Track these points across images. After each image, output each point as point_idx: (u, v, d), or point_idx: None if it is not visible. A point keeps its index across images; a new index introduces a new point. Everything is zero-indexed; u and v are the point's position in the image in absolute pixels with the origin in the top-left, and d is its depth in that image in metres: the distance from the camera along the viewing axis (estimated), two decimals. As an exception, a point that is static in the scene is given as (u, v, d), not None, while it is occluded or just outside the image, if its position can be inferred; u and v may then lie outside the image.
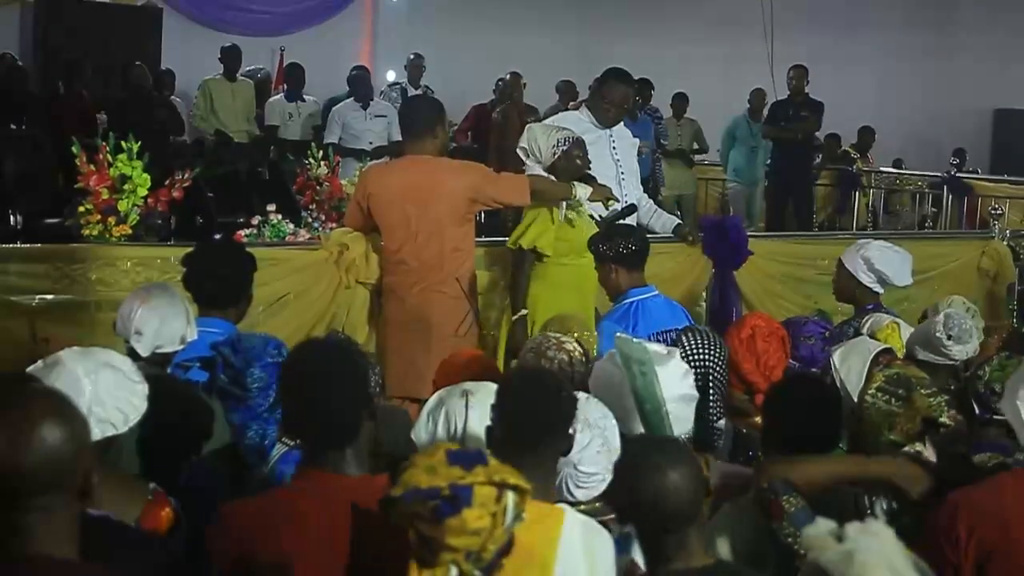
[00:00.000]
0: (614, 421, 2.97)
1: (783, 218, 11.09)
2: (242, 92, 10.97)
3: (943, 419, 3.29)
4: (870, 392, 3.36)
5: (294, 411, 2.59)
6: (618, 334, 3.43)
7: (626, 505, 2.51)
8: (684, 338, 3.69)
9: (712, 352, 3.67)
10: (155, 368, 3.44)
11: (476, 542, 1.91)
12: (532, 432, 2.64)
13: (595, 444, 2.87)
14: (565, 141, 5.33)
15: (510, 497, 1.95)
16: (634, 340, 3.22)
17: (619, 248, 4.68)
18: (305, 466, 2.58)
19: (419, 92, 10.69)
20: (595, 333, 4.07)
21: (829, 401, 3.36)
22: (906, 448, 3.17)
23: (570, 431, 2.72)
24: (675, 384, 3.12)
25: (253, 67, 12.30)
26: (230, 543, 2.47)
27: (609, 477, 2.83)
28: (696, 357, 3.63)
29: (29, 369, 2.71)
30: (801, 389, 3.38)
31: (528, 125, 5.57)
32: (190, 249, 4.27)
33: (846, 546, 1.73)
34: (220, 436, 3.22)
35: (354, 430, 2.54)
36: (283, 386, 2.64)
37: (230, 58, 10.93)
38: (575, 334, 3.79)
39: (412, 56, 11.66)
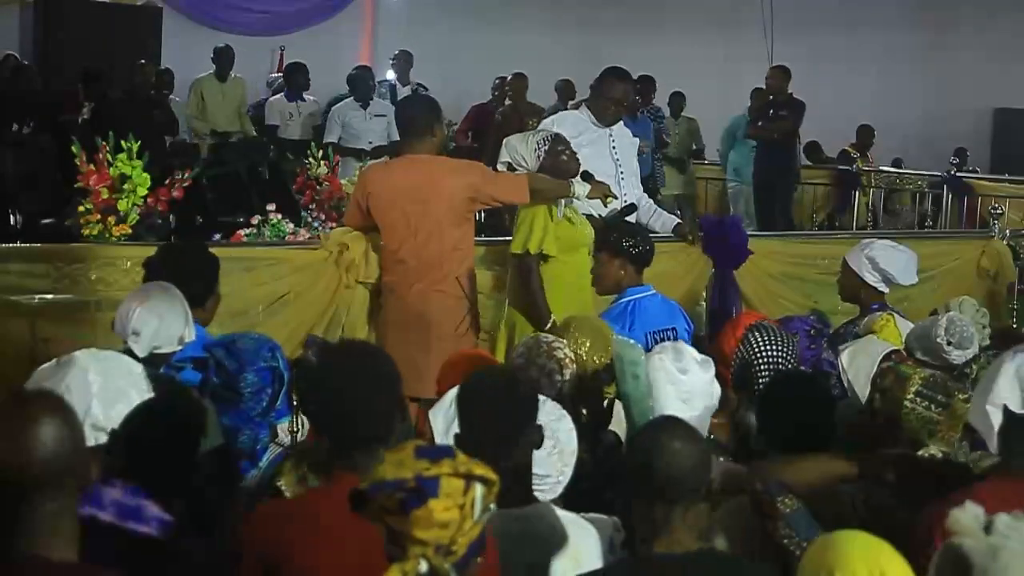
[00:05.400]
0: (569, 423, 2.91)
1: (771, 217, 11.11)
2: (232, 91, 11.10)
3: None
4: (908, 397, 3.29)
5: (327, 410, 2.61)
6: (615, 335, 3.41)
7: (627, 469, 2.44)
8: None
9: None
10: (150, 368, 3.42)
11: (444, 535, 1.90)
12: (492, 433, 2.64)
13: (547, 446, 2.80)
14: (544, 141, 5.23)
15: (478, 489, 1.94)
16: (630, 342, 3.21)
17: (633, 245, 4.69)
18: (334, 468, 2.58)
19: (408, 89, 10.74)
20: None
21: (822, 400, 3.35)
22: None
23: (537, 422, 2.72)
24: (704, 392, 3.12)
25: (275, 75, 12.44)
26: (260, 545, 2.50)
27: (564, 480, 2.83)
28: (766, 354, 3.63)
29: (40, 368, 2.71)
30: (794, 388, 3.37)
31: (505, 139, 5.42)
32: (151, 252, 4.21)
33: (993, 540, 1.69)
34: (213, 438, 3.21)
35: (389, 432, 2.57)
36: (318, 385, 2.66)
37: (222, 59, 11.13)
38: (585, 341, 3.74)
39: (397, 52, 11.73)
